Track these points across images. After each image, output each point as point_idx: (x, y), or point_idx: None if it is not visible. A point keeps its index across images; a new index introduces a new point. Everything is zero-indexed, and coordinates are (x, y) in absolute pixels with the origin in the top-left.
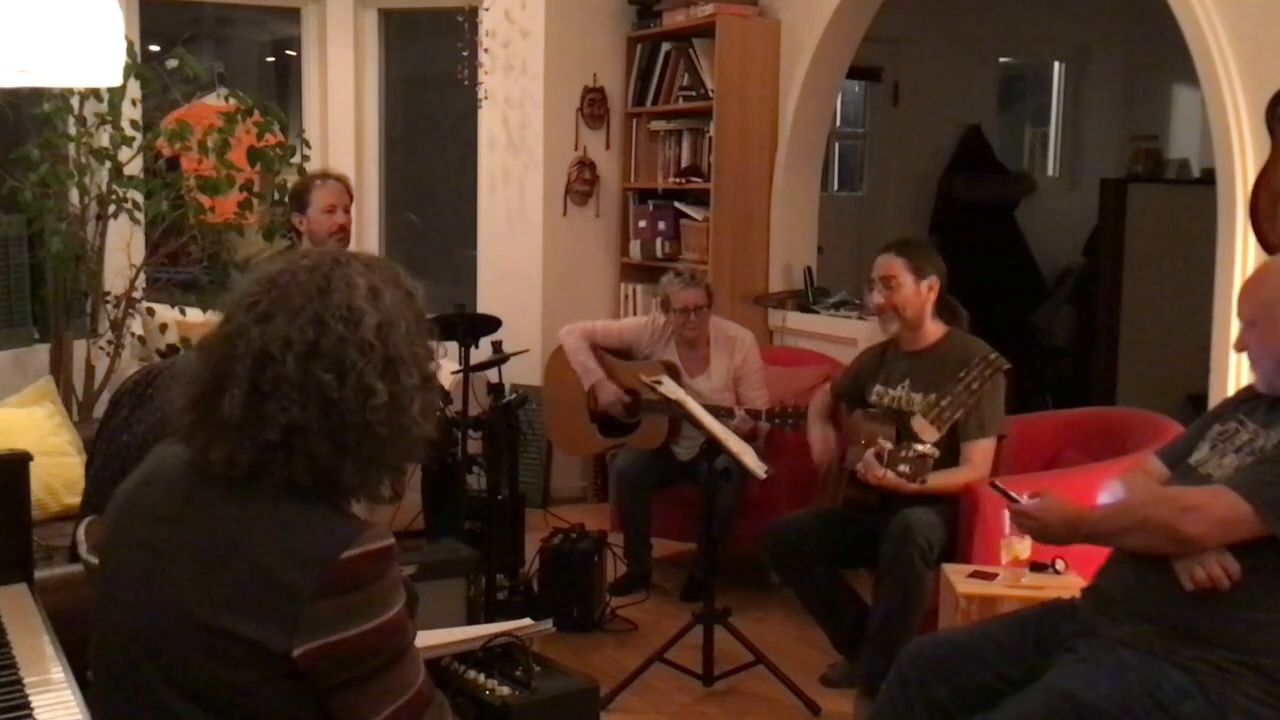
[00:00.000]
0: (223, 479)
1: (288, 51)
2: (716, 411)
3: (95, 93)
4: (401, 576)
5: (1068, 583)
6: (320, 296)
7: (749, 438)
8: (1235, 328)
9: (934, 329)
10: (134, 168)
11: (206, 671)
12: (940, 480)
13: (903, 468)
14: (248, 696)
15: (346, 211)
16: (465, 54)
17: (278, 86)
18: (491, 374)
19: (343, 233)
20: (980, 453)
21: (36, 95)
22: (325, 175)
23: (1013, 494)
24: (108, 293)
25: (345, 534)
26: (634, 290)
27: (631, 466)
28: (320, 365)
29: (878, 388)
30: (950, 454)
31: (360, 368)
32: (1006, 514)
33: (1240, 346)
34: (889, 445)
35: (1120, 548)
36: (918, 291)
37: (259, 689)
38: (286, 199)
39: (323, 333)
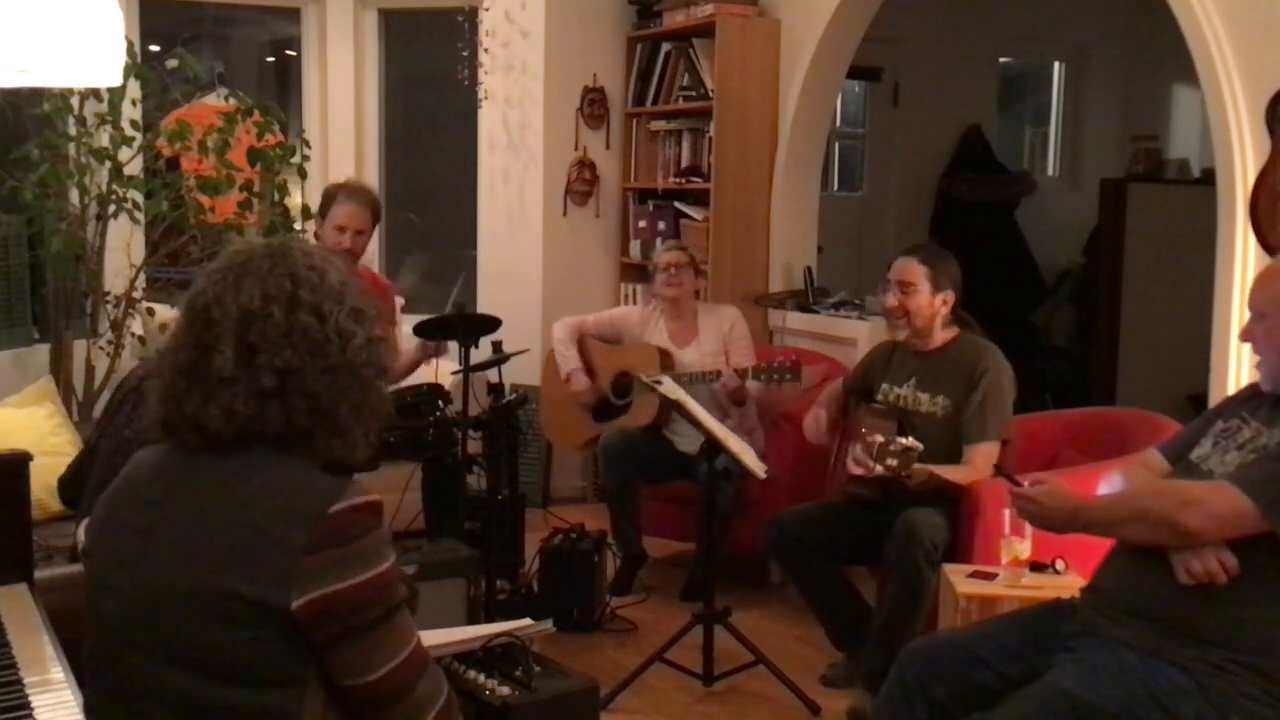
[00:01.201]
0: (210, 446)
1: (288, 51)
2: (705, 376)
3: (95, 93)
4: (390, 535)
5: (1068, 583)
6: (284, 258)
7: (737, 399)
8: (1236, 326)
9: (944, 333)
10: (134, 168)
11: (204, 637)
12: (932, 467)
13: (890, 461)
14: (249, 659)
15: (359, 234)
16: (465, 54)
17: (278, 86)
18: (491, 374)
19: (349, 256)
20: (981, 455)
21: (36, 95)
22: (351, 191)
23: (1015, 478)
24: (108, 293)
25: (332, 490)
26: (634, 290)
27: (615, 441)
28: (302, 312)
29: (885, 386)
30: (954, 457)
31: (336, 314)
32: (1006, 514)
33: (1246, 337)
34: (879, 439)
35: (1119, 539)
36: (931, 302)
37: (259, 649)
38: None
39: (297, 284)
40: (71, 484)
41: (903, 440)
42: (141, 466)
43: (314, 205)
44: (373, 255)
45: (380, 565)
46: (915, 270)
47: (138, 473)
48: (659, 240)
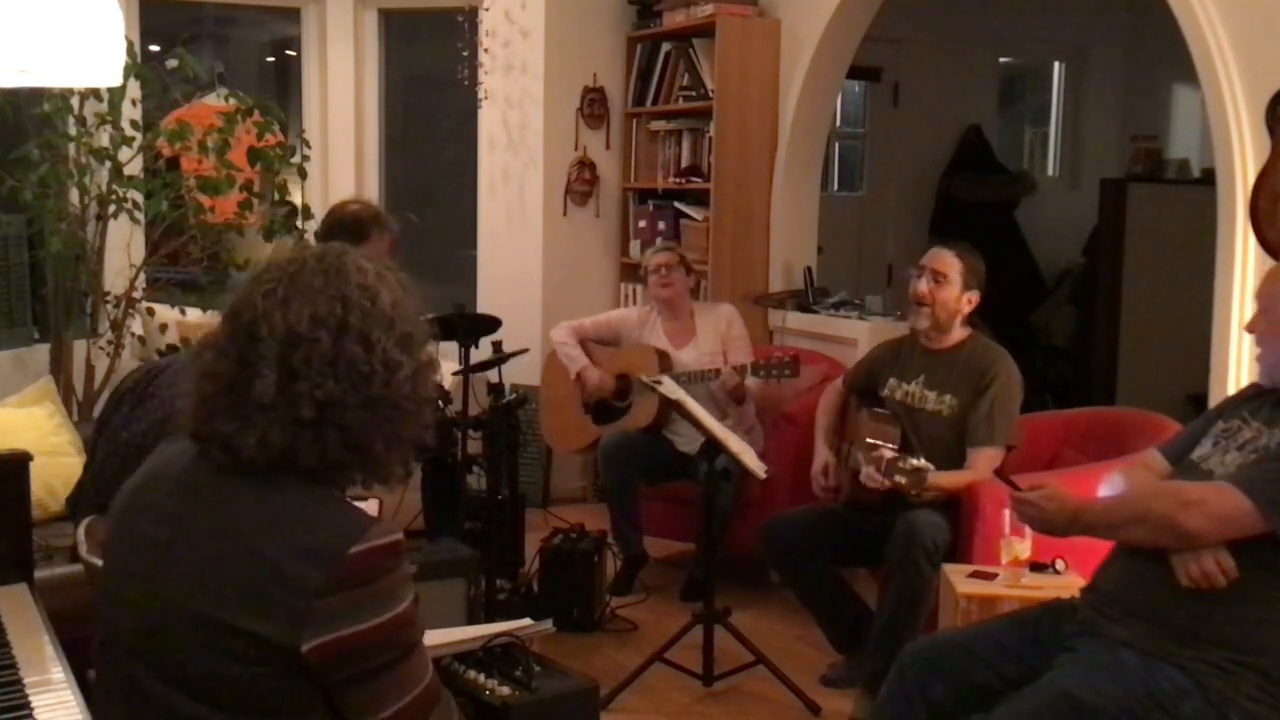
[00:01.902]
0: (239, 470)
1: (288, 51)
2: (703, 375)
3: (95, 93)
4: (410, 573)
5: (1068, 583)
6: (337, 277)
7: (736, 396)
8: (1236, 326)
9: (959, 333)
10: (134, 168)
11: (212, 667)
12: (939, 480)
13: (899, 478)
14: (255, 692)
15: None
16: (465, 54)
17: (278, 86)
18: (491, 374)
19: None
20: (984, 460)
21: (36, 95)
22: (386, 222)
23: (1014, 482)
24: (108, 293)
25: (354, 529)
26: (634, 290)
27: (615, 442)
28: (349, 340)
29: (891, 381)
30: (959, 460)
31: (384, 343)
32: (1006, 514)
33: (1250, 328)
34: (889, 454)
35: (1120, 541)
36: (959, 298)
37: (266, 684)
38: (333, 219)
39: (348, 309)
40: (77, 499)
41: (914, 460)
42: (166, 468)
43: (315, 206)
44: None
45: (396, 607)
46: (952, 263)
47: (161, 473)
48: (658, 240)
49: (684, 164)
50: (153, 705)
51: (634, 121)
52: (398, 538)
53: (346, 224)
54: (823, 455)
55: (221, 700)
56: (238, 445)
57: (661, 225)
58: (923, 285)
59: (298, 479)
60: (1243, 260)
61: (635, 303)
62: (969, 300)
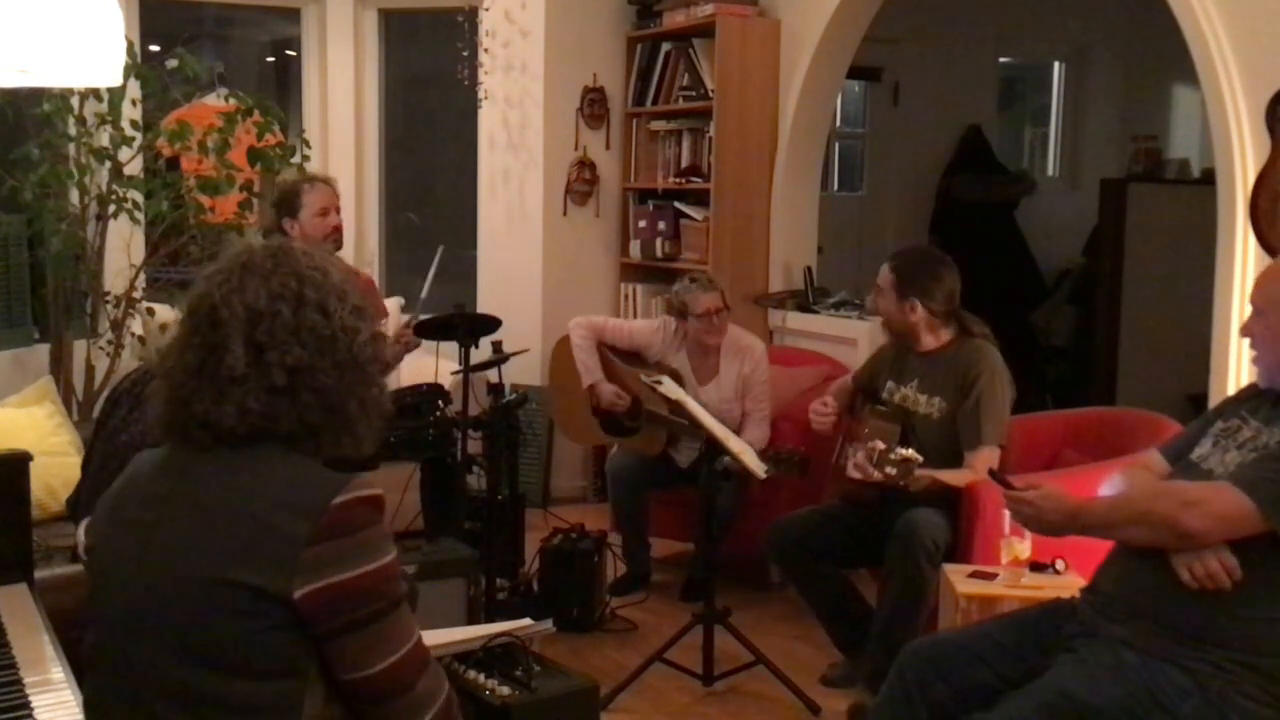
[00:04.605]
0: (220, 444)
1: (288, 51)
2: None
3: (95, 93)
4: (389, 530)
5: (1068, 583)
6: (286, 258)
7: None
8: (1236, 326)
9: (940, 336)
10: (134, 168)
11: (207, 627)
12: (939, 475)
13: (889, 469)
14: (251, 651)
15: (338, 213)
16: (465, 54)
17: (278, 86)
18: (491, 374)
19: (337, 234)
20: (982, 460)
21: (36, 95)
22: (312, 179)
23: (1009, 481)
24: (108, 293)
25: (335, 483)
26: (634, 290)
27: (625, 467)
28: (309, 310)
29: (889, 384)
30: (952, 463)
31: (339, 311)
32: (1006, 514)
33: (1246, 332)
34: (880, 446)
35: (1120, 541)
36: (900, 309)
37: (261, 640)
38: (272, 204)
39: (303, 282)
40: (77, 500)
41: (902, 450)
42: (145, 465)
43: None
44: (373, 254)
45: (382, 558)
46: (885, 277)
47: (141, 471)
48: (659, 241)
49: (684, 164)
50: (154, 684)
51: (634, 121)
52: (378, 492)
53: (280, 197)
54: (825, 398)
55: (220, 662)
56: (216, 419)
57: (661, 225)
58: (870, 299)
59: (278, 446)
60: (1243, 260)
61: (634, 301)
62: (910, 308)
